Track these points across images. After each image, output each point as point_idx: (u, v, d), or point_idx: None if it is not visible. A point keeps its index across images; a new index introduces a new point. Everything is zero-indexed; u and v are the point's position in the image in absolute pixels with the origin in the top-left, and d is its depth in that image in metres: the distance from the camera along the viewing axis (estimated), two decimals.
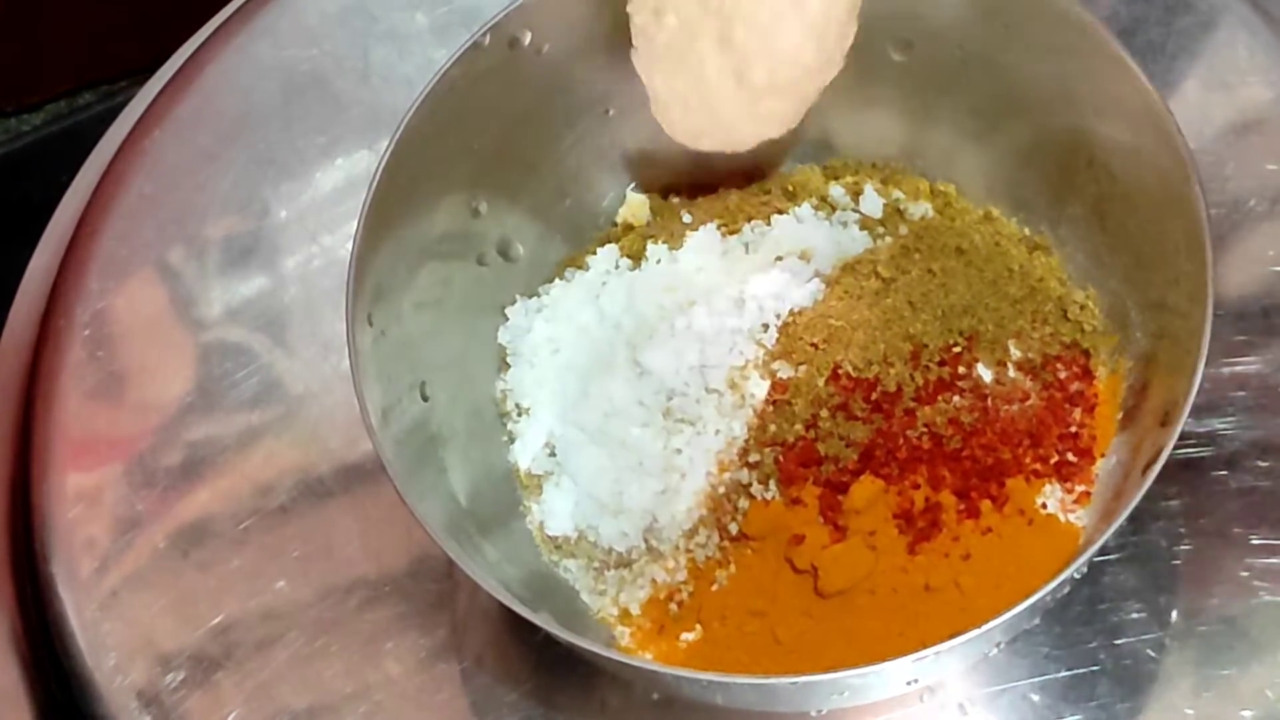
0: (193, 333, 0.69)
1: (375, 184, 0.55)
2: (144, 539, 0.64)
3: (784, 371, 0.61)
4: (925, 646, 0.48)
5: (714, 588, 0.59)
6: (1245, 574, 0.58)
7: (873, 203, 0.66)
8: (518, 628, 0.60)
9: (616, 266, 0.66)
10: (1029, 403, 0.61)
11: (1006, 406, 0.60)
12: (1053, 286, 0.63)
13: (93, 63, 1.10)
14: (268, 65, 0.74)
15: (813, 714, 0.57)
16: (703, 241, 0.65)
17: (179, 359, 0.68)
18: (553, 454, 0.63)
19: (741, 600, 0.59)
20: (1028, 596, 0.48)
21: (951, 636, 0.48)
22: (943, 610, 0.57)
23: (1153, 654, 0.57)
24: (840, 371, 0.60)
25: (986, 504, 0.59)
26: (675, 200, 0.68)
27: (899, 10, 0.60)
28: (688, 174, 0.67)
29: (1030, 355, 0.61)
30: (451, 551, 0.50)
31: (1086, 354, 0.62)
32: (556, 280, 0.66)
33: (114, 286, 0.70)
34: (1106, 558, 0.58)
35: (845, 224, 0.66)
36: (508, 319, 0.65)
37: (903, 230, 0.65)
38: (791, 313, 0.62)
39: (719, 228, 0.65)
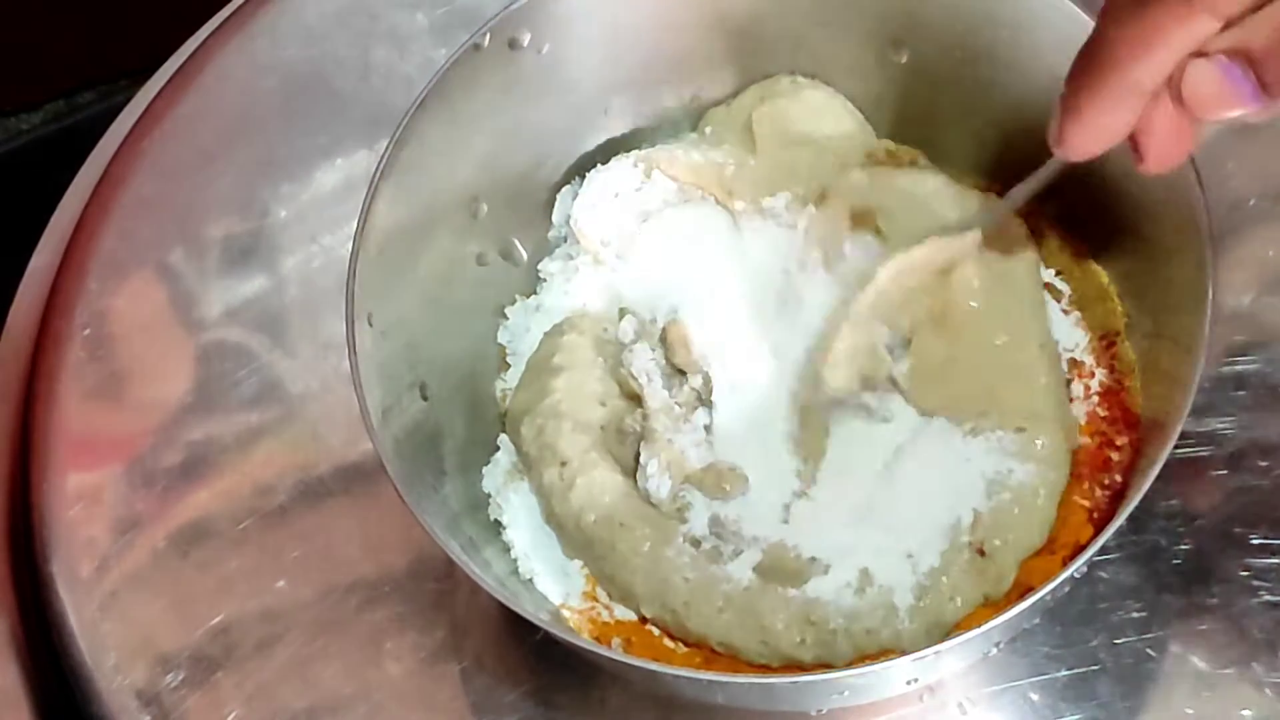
0: (193, 333, 0.69)
1: (375, 184, 0.54)
2: (144, 539, 0.64)
3: None
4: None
5: None
6: (1245, 574, 0.57)
7: None
8: (517, 628, 0.60)
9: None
10: None
11: None
12: None
13: (93, 63, 1.09)
14: (267, 65, 0.74)
15: (813, 714, 0.57)
16: None
17: (179, 359, 0.68)
18: None
19: None
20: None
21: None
22: None
23: (1153, 654, 0.57)
24: None
25: None
26: None
27: (899, 10, 0.60)
28: None
29: None
30: (451, 551, 0.50)
31: None
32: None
33: (114, 286, 0.70)
34: (1106, 557, 0.58)
35: None
36: (508, 319, 0.64)
37: None
38: None
39: None
